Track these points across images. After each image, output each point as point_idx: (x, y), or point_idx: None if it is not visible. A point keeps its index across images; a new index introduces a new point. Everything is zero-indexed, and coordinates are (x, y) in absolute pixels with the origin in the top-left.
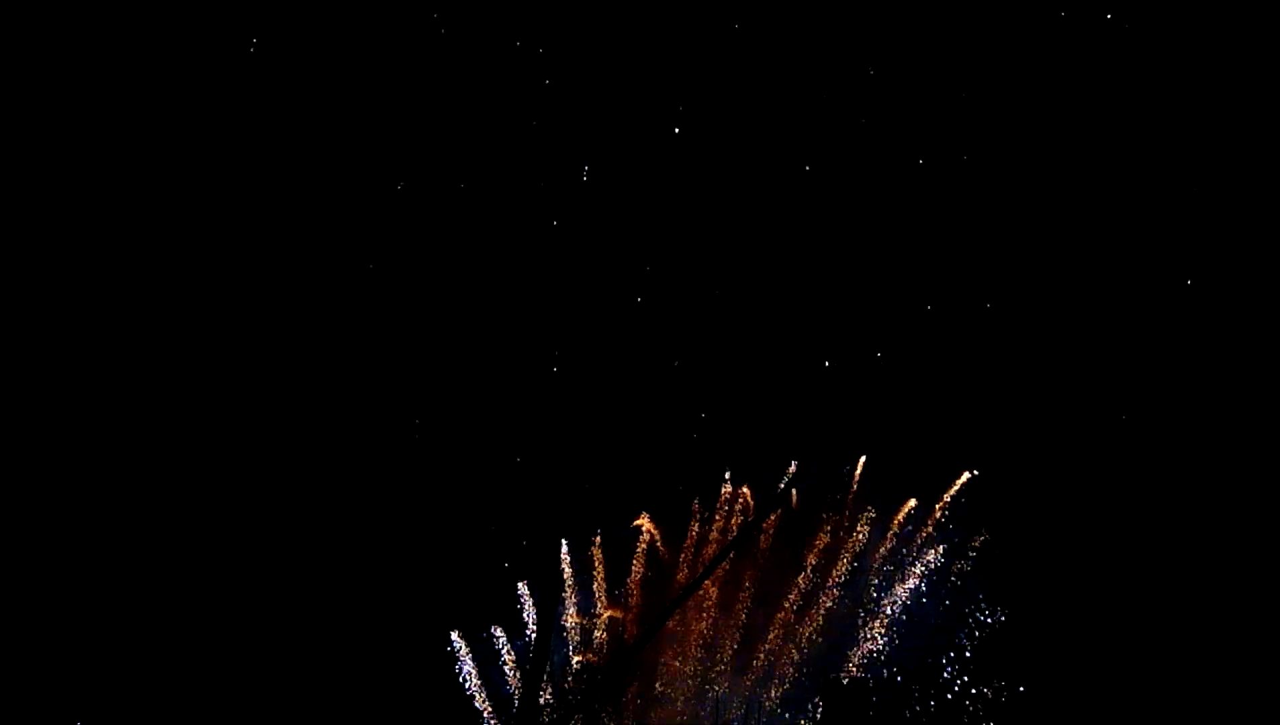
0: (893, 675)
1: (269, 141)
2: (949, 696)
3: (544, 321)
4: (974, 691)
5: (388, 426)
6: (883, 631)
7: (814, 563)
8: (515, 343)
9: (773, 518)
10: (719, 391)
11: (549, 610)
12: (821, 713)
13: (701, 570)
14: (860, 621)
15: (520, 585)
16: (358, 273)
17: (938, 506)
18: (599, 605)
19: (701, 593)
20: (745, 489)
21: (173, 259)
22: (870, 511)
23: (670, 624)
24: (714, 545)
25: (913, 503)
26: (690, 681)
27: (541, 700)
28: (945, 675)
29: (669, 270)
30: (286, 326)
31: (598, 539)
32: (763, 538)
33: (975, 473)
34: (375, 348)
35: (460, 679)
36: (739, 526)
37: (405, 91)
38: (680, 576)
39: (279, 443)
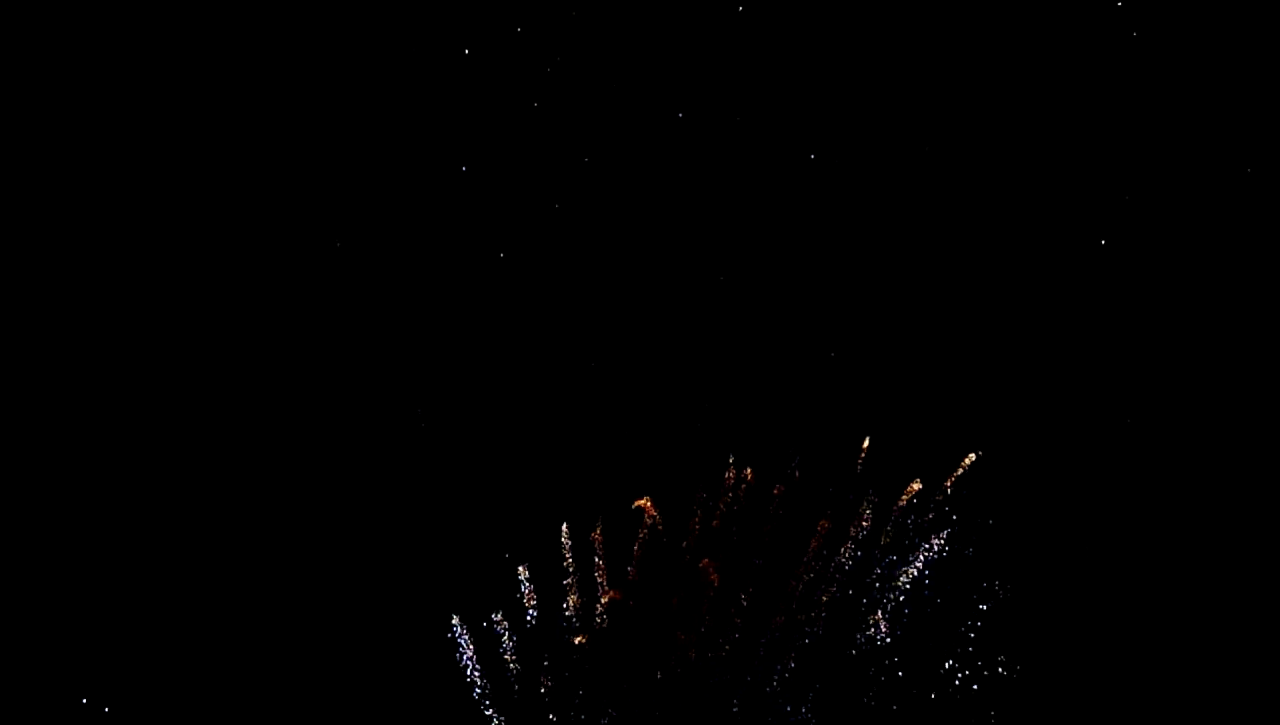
0: (894, 665)
1: (266, 133)
2: (950, 689)
3: (546, 308)
4: (975, 686)
5: (389, 412)
6: (884, 619)
7: (815, 548)
8: (517, 329)
9: (775, 499)
10: (723, 376)
11: (550, 595)
12: (820, 702)
13: (704, 553)
14: (862, 608)
15: (520, 570)
16: (358, 259)
17: (942, 490)
18: (600, 589)
19: (703, 578)
20: (749, 471)
21: (170, 249)
22: (873, 496)
23: (671, 608)
24: (717, 527)
25: (917, 485)
26: (690, 667)
27: (542, 686)
28: (947, 666)
29: (672, 256)
30: (288, 312)
31: (599, 523)
32: (765, 525)
33: (980, 453)
34: (376, 333)
35: (460, 665)
36: (740, 507)
37: (404, 78)
38: (683, 560)
39: (280, 428)
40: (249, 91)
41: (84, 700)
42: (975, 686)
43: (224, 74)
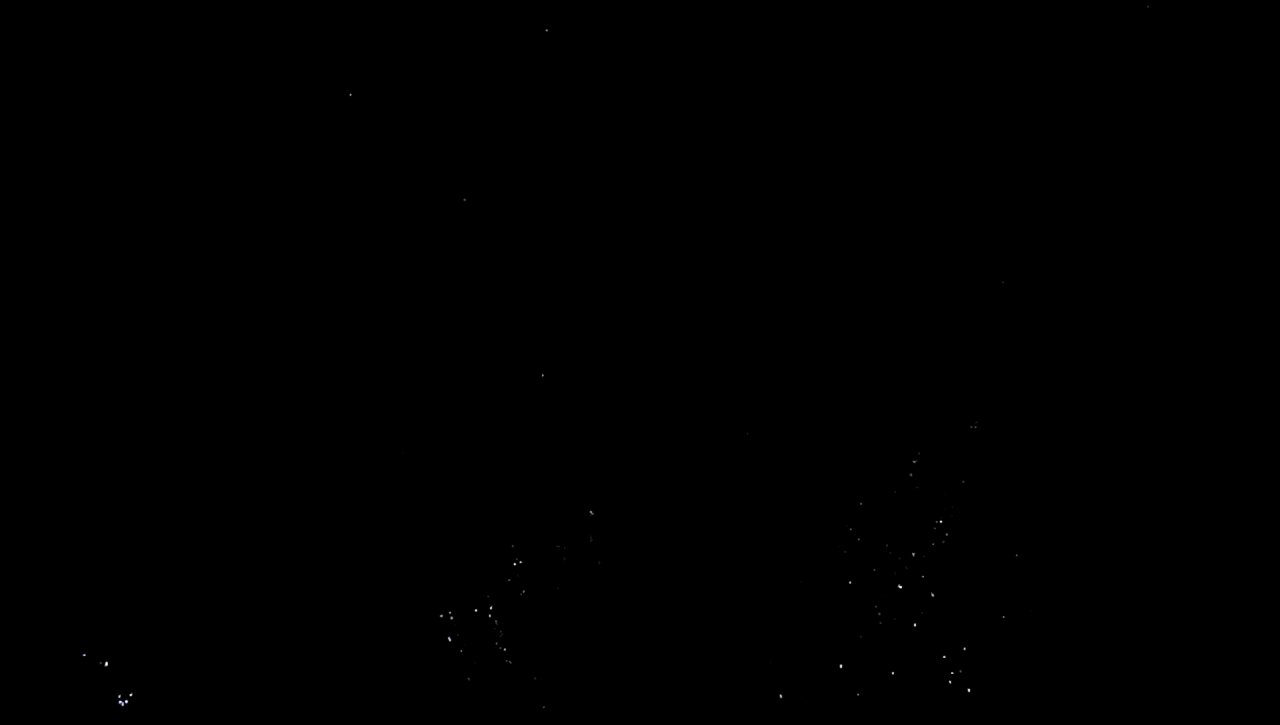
0: (889, 674)
1: (263, 136)
2: (949, 696)
3: (536, 309)
4: (973, 692)
5: (380, 407)
6: (880, 620)
7: (812, 544)
8: (509, 327)
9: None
10: (716, 372)
11: (541, 587)
12: (819, 693)
13: (702, 541)
14: (859, 608)
15: (514, 563)
16: (351, 261)
17: (940, 474)
18: (595, 581)
19: (700, 574)
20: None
21: (170, 253)
22: (873, 478)
23: (666, 606)
24: (715, 514)
25: (916, 468)
26: (686, 666)
27: (534, 681)
28: (945, 666)
29: (665, 261)
30: (280, 313)
31: (592, 512)
32: (766, 510)
33: (976, 425)
34: (368, 332)
35: (452, 659)
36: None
37: (402, 84)
38: (683, 547)
39: (271, 426)
40: (245, 100)
41: (78, 703)
42: (973, 695)
43: (226, 80)
